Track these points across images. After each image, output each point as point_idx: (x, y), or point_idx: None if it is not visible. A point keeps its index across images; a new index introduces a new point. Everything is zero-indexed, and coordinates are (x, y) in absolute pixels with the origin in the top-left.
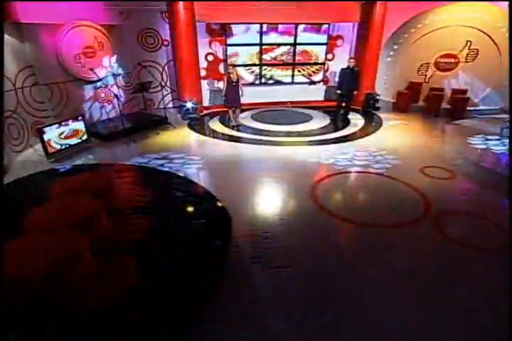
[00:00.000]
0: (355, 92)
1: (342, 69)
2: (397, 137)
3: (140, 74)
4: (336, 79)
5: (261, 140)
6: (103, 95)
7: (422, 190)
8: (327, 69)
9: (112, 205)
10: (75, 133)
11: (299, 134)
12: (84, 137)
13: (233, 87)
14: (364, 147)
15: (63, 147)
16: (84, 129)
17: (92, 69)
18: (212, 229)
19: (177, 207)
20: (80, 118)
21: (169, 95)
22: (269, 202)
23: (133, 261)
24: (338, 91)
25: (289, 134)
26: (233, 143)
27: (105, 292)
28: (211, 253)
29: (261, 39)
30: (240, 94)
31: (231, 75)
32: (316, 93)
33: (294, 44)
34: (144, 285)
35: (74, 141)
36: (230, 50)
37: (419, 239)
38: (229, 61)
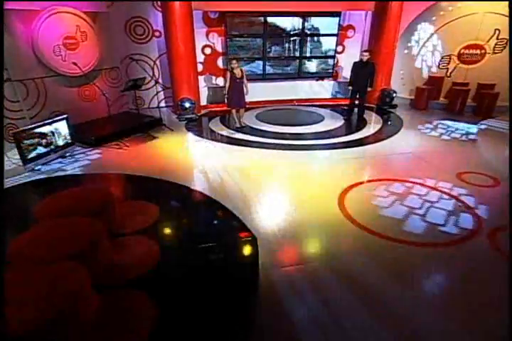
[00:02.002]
0: (369, 89)
1: (355, 63)
2: (420, 139)
3: (128, 69)
4: (344, 74)
5: (270, 143)
6: (87, 93)
7: (465, 199)
8: (336, 63)
9: (113, 227)
10: (57, 137)
11: (312, 136)
12: (68, 142)
13: (237, 85)
14: (388, 150)
15: (43, 154)
16: (67, 133)
17: (75, 64)
18: (236, 254)
19: (191, 227)
20: (62, 120)
21: (161, 93)
22: (295, 218)
23: (146, 298)
24: (350, 88)
25: (300, 137)
26: (240, 147)
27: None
28: (238, 286)
29: (265, 30)
30: (245, 92)
31: (234, 71)
32: (326, 89)
33: (302, 35)
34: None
35: (56, 146)
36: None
37: (472, 261)
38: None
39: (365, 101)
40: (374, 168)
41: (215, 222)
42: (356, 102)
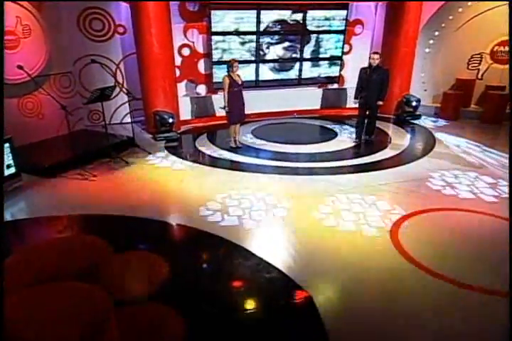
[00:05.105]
0: (380, 103)
1: (362, 70)
2: (468, 156)
3: (82, 75)
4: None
5: (281, 167)
6: (31, 106)
7: None
8: (342, 66)
9: (113, 293)
10: None
11: (330, 158)
12: (11, 172)
13: (238, 93)
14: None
15: None
16: (10, 159)
17: (21, 67)
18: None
19: (219, 285)
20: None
21: (126, 105)
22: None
23: None
24: (356, 101)
25: (315, 158)
26: (242, 172)
27: None
28: None
29: (258, 26)
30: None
31: (231, 74)
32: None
33: (303, 33)
34: None
35: None
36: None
37: None
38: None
39: (375, 119)
40: (423, 195)
41: (249, 275)
42: (367, 113)
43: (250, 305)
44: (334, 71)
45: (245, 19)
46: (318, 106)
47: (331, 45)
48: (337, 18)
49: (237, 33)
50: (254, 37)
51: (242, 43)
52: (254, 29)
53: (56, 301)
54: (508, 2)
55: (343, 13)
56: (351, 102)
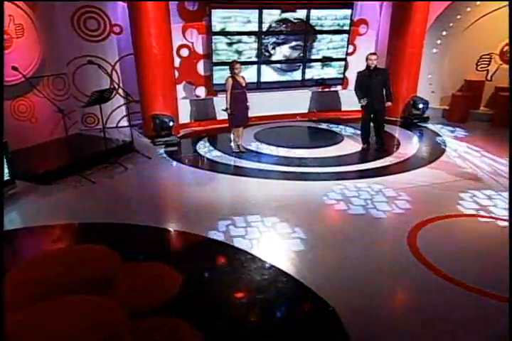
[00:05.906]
0: (389, 103)
1: (360, 74)
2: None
3: (76, 76)
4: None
5: (289, 172)
6: (23, 109)
7: None
8: (346, 68)
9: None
10: None
11: (340, 161)
12: (5, 178)
13: (241, 95)
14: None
15: None
16: (4, 166)
17: (16, 68)
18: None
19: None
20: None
21: (122, 108)
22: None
23: None
24: (363, 102)
25: (325, 162)
26: (255, 179)
27: None
28: None
29: (260, 26)
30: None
31: (237, 77)
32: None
33: (306, 33)
34: None
35: None
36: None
37: None
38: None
39: (384, 122)
40: (446, 199)
41: (264, 285)
42: (372, 124)
43: (267, 315)
44: (338, 72)
45: (246, 18)
46: (319, 108)
47: (334, 45)
48: (341, 17)
49: (238, 33)
50: (255, 37)
51: (242, 44)
52: (256, 29)
53: (66, 316)
54: (508, 2)
55: (348, 12)
56: (352, 105)
